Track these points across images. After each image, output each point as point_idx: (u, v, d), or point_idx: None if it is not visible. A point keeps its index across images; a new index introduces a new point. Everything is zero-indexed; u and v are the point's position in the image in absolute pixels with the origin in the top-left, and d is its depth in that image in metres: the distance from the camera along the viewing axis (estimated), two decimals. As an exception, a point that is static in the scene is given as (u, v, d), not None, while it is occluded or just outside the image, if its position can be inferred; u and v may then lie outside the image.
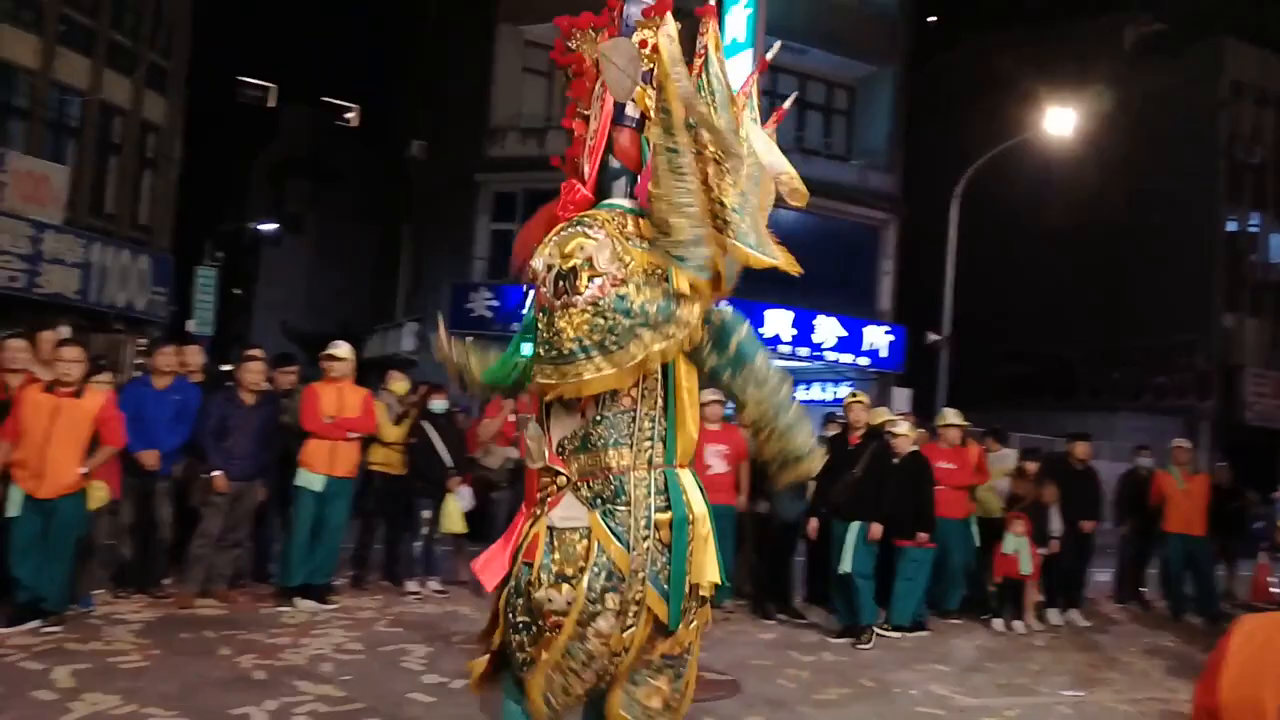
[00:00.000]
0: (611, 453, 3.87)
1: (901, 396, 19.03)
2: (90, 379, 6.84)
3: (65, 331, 8.64)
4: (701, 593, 3.89)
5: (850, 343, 20.21)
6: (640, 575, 3.77)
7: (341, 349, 8.14)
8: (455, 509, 8.57)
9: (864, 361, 20.37)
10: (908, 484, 8.18)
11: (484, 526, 8.93)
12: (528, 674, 3.82)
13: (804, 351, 19.74)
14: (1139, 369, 26.73)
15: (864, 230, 21.39)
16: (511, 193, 20.02)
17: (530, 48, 20.64)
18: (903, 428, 8.49)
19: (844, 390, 20.45)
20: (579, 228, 4.01)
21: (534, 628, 3.84)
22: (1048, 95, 18.65)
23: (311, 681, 5.62)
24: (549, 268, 3.94)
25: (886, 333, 20.61)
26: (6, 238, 15.42)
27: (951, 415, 9.50)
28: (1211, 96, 25.64)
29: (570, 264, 3.88)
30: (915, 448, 8.50)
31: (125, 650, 6.04)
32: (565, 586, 3.77)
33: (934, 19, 28.47)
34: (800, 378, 21.42)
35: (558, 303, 3.84)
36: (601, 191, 4.17)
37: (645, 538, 3.81)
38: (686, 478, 4.00)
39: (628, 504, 3.83)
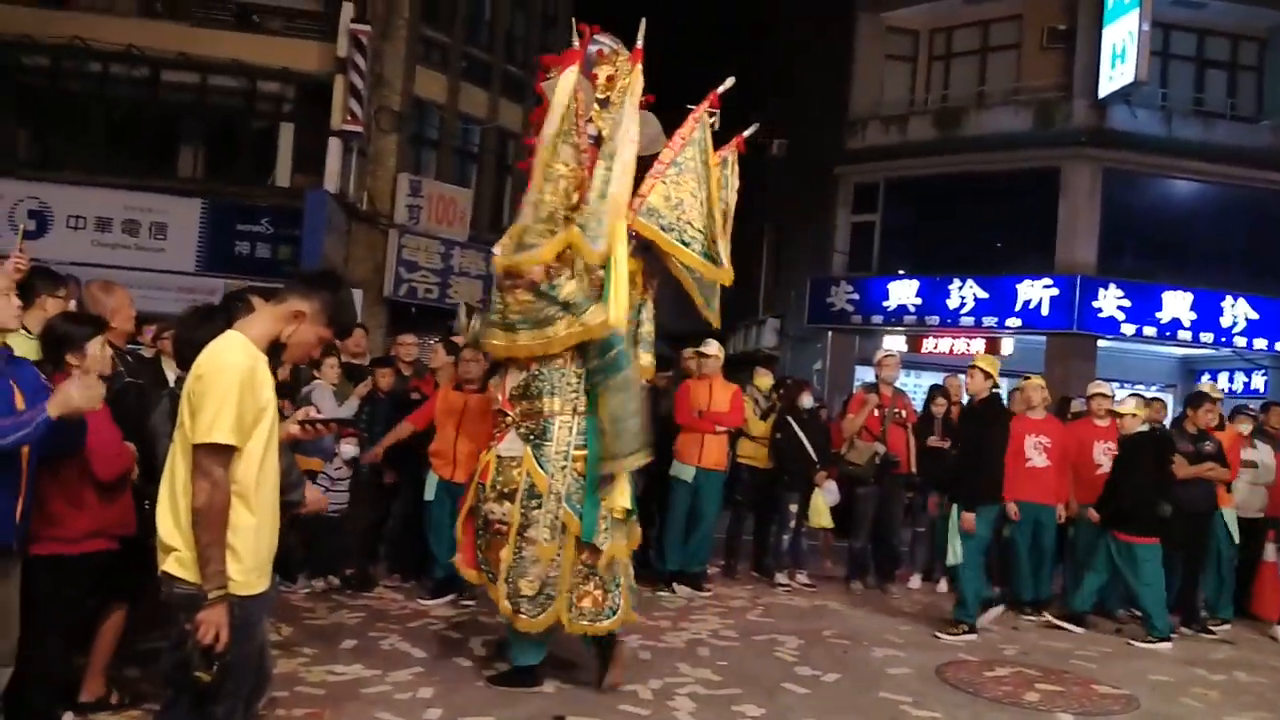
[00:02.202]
0: (545, 400, 5.06)
1: (1331, 388, 16.44)
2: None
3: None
4: (615, 515, 5.03)
5: (1265, 326, 17.65)
6: (556, 497, 4.96)
7: (711, 346, 8.45)
8: (821, 504, 8.60)
9: (1282, 347, 17.77)
10: (1133, 471, 7.27)
11: (850, 521, 8.87)
12: (489, 578, 5.15)
13: (1208, 337, 17.53)
14: None
15: (1278, 199, 18.62)
16: (873, 183, 19.56)
17: (892, 33, 20.14)
18: (1129, 406, 7.58)
19: (1257, 380, 17.95)
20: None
21: (488, 535, 5.13)
22: None
23: (690, 664, 5.90)
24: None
25: (1310, 315, 17.83)
26: (423, 255, 17.68)
27: None
28: None
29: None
30: (1146, 428, 7.52)
31: (527, 623, 6.65)
32: (507, 504, 5.03)
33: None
34: (1203, 367, 19.09)
35: (507, 283, 5.14)
36: None
37: (563, 468, 4.99)
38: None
39: (551, 441, 5.01)
